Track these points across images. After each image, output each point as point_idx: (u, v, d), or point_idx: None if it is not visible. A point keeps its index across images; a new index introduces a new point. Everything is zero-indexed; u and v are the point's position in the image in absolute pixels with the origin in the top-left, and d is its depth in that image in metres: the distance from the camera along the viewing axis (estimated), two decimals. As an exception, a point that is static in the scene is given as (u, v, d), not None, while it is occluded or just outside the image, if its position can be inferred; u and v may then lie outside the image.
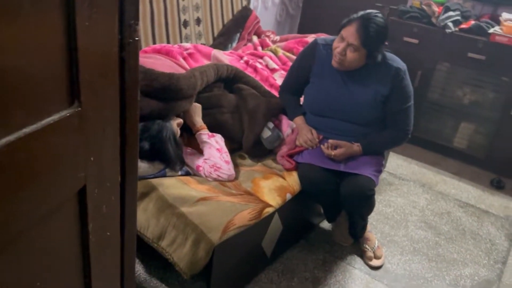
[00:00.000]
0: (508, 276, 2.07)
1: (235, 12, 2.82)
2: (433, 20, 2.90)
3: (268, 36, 2.82)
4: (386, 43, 1.87)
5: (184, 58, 2.06)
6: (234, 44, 2.78)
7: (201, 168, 1.76)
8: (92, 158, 0.75)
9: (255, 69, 2.33)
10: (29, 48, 0.58)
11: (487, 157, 2.92)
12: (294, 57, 2.53)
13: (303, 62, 2.01)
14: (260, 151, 1.97)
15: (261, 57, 2.49)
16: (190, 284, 1.74)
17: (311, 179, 1.86)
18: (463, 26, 2.83)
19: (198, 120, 1.86)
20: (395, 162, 2.93)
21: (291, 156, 1.96)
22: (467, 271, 2.06)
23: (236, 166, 1.87)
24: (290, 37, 2.88)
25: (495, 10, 3.04)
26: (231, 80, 2.06)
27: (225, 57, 2.28)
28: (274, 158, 1.98)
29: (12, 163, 0.59)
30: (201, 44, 2.61)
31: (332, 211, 2.09)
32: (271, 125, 1.97)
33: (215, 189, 1.68)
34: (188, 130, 1.89)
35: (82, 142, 0.72)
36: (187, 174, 1.76)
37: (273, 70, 2.43)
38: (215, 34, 2.72)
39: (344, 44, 1.80)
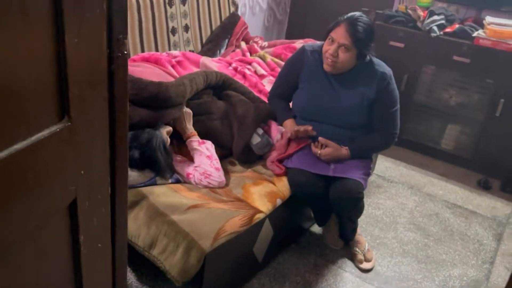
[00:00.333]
0: (496, 276, 2.10)
1: (223, 18, 2.83)
2: (419, 24, 2.94)
3: (256, 42, 2.84)
4: (373, 45, 1.90)
5: (173, 66, 2.06)
6: (223, 50, 2.79)
7: (191, 176, 1.76)
8: (82, 171, 0.75)
9: (244, 76, 2.35)
10: (19, 64, 0.59)
11: (473, 158, 2.97)
12: (282, 63, 2.55)
13: (291, 69, 2.04)
14: (250, 157, 1.98)
15: (250, 64, 2.51)
16: (182, 291, 1.74)
17: (301, 184, 1.88)
18: (447, 29, 2.88)
19: (189, 127, 1.87)
20: (383, 165, 2.97)
21: (280, 161, 1.98)
22: (456, 272, 2.09)
23: (226, 172, 1.88)
24: (278, 43, 2.90)
25: (479, 14, 3.10)
26: (220, 86, 2.08)
27: (214, 64, 2.29)
28: (264, 164, 2.00)
29: (3, 179, 0.60)
30: (190, 51, 2.62)
31: (322, 215, 2.11)
32: (260, 131, 1.99)
33: (205, 196, 1.69)
34: (178, 138, 1.89)
35: (72, 156, 0.72)
36: (178, 181, 1.77)
37: (261, 76, 2.45)
38: (204, 40, 2.73)
39: (335, 45, 1.83)
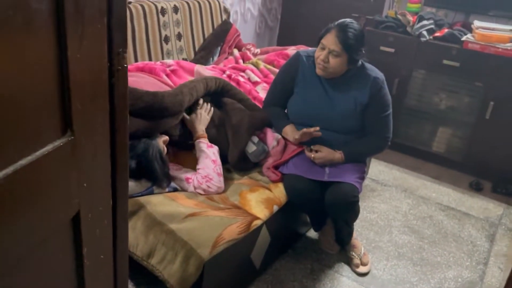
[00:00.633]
0: (490, 277, 2.13)
1: (215, 26, 2.85)
2: (408, 29, 2.98)
3: (248, 49, 2.85)
4: (364, 51, 1.93)
5: (167, 75, 2.07)
6: (216, 58, 2.80)
7: (190, 180, 1.77)
8: (85, 184, 0.76)
9: (238, 83, 2.36)
10: (24, 80, 0.59)
11: (465, 160, 3.01)
12: (275, 70, 2.57)
13: (286, 74, 2.06)
14: (245, 164, 1.99)
15: (243, 71, 2.52)
16: (180, 300, 1.74)
17: (297, 189, 1.90)
18: (437, 34, 2.93)
19: (200, 128, 1.89)
20: (376, 168, 2.99)
21: (276, 167, 1.99)
22: (451, 274, 2.12)
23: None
24: (270, 49, 2.93)
25: (467, 18, 3.15)
26: (219, 93, 2.09)
27: (208, 72, 2.30)
28: (260, 171, 2.01)
29: (10, 194, 0.60)
30: (183, 59, 2.63)
31: (318, 220, 2.12)
32: (255, 139, 2.00)
33: (203, 204, 1.69)
34: (175, 146, 1.90)
35: (75, 169, 0.73)
36: (175, 190, 1.77)
37: (255, 83, 2.46)
38: (196, 48, 2.74)
39: (325, 51, 1.86)
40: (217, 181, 1.79)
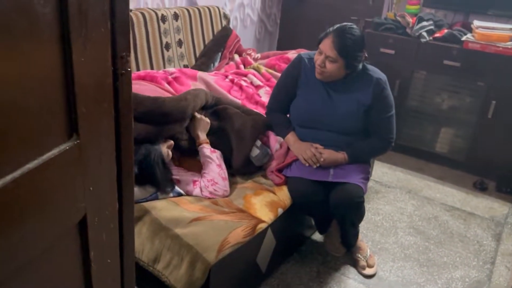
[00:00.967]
0: (498, 276, 2.12)
1: (215, 32, 2.86)
2: (408, 30, 2.99)
3: (249, 54, 2.87)
4: (366, 55, 1.93)
5: (169, 83, 2.08)
6: (216, 64, 2.81)
7: (197, 183, 1.78)
8: (91, 188, 0.76)
9: (241, 87, 2.37)
10: (31, 85, 0.60)
11: (468, 160, 3.00)
12: (277, 73, 2.58)
13: (289, 77, 2.06)
14: (249, 168, 1.99)
15: (245, 75, 2.53)
16: (187, 306, 1.74)
17: (301, 192, 1.90)
18: (437, 35, 2.93)
19: (201, 134, 1.89)
20: (380, 170, 2.99)
21: (280, 170, 1.99)
22: (458, 274, 2.11)
23: (226, 184, 1.89)
24: (271, 54, 2.93)
25: (466, 18, 3.16)
26: (212, 106, 2.08)
27: (211, 77, 2.31)
28: (264, 174, 2.01)
29: (17, 198, 0.60)
30: (184, 65, 2.64)
31: (323, 223, 2.12)
32: (258, 143, 2.00)
33: (207, 209, 1.69)
34: (181, 150, 1.90)
35: (81, 173, 0.73)
36: (179, 195, 1.77)
37: (257, 87, 2.47)
38: (197, 54, 2.75)
39: (322, 56, 1.86)
40: (223, 185, 1.79)
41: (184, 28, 2.64)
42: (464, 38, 2.81)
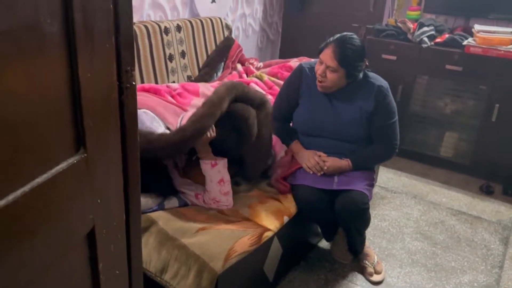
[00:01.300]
0: (506, 280, 2.10)
1: (218, 42, 2.89)
2: (409, 36, 3.00)
3: (252, 64, 2.89)
4: (367, 63, 1.95)
5: (172, 97, 2.09)
6: (219, 73, 2.84)
7: (200, 196, 1.78)
8: (99, 200, 0.77)
9: (243, 97, 2.38)
10: (39, 101, 0.62)
11: (473, 164, 3.00)
12: (279, 81, 2.60)
13: (291, 86, 2.08)
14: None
15: (248, 84, 2.55)
16: (195, 315, 1.74)
17: (306, 200, 1.90)
18: (438, 40, 2.95)
19: (201, 148, 1.78)
20: (385, 176, 2.99)
21: (284, 178, 2.00)
22: (466, 278, 2.10)
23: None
24: (273, 62, 2.96)
25: (467, 22, 3.17)
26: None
27: (212, 89, 2.32)
28: (269, 182, 2.01)
29: (28, 211, 0.62)
30: (187, 76, 2.67)
31: (329, 230, 2.12)
32: None
33: (213, 218, 1.70)
34: (186, 160, 1.91)
35: (89, 186, 0.75)
36: (185, 205, 1.78)
37: (259, 96, 2.48)
38: (200, 65, 2.78)
39: (323, 66, 1.88)
40: (225, 201, 1.78)
41: (187, 39, 2.67)
42: (465, 42, 2.82)
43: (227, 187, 1.79)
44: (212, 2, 3.09)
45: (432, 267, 2.16)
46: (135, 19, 2.43)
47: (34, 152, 0.63)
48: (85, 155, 0.72)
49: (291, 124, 2.15)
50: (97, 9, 0.67)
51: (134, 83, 0.83)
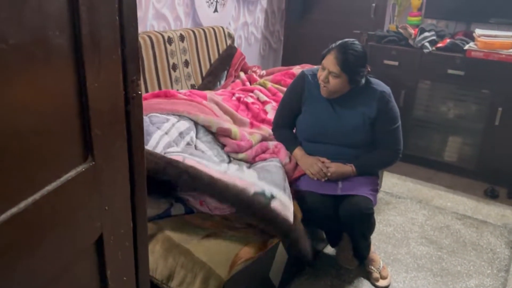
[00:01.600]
0: (513, 284, 2.10)
1: (220, 51, 2.92)
2: (410, 42, 3.02)
3: (254, 72, 2.91)
4: (369, 69, 1.96)
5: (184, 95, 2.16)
6: (223, 82, 2.87)
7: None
8: (106, 208, 0.79)
9: (247, 106, 2.41)
10: (48, 111, 0.63)
11: (478, 168, 3.00)
12: (283, 88, 2.62)
13: (293, 93, 2.10)
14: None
15: (252, 91, 2.57)
16: (201, 323, 1.74)
17: (310, 206, 1.91)
18: (439, 45, 2.96)
19: None
20: (390, 181, 2.99)
21: (289, 184, 2.01)
22: (473, 283, 2.09)
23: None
24: (276, 70, 2.98)
25: (468, 27, 3.19)
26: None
27: (218, 97, 2.35)
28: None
29: (38, 219, 0.63)
30: (191, 85, 2.70)
31: (334, 236, 2.12)
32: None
33: (219, 225, 1.71)
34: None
35: (97, 193, 0.76)
36: (191, 211, 1.80)
37: (264, 103, 2.50)
38: (203, 74, 2.81)
39: (325, 72, 1.90)
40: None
41: (190, 48, 2.70)
42: (466, 47, 2.83)
43: None
44: (214, 12, 3.12)
45: (438, 271, 2.16)
46: (139, 30, 2.46)
47: (44, 161, 0.64)
48: (93, 163, 0.73)
49: (294, 131, 2.17)
50: (104, 22, 0.69)
51: (139, 92, 0.85)
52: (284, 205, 1.63)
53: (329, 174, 1.95)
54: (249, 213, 1.56)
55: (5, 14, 0.52)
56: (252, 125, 2.25)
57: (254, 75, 2.86)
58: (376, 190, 2.01)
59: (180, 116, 2.01)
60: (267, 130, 2.22)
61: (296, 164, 2.06)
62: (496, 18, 3.01)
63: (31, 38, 0.58)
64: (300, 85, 2.07)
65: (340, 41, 1.92)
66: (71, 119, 0.69)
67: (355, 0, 3.61)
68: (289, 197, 1.73)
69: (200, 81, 2.78)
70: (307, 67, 2.67)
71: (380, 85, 2.01)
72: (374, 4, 3.52)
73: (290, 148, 2.08)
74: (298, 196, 1.95)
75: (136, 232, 0.91)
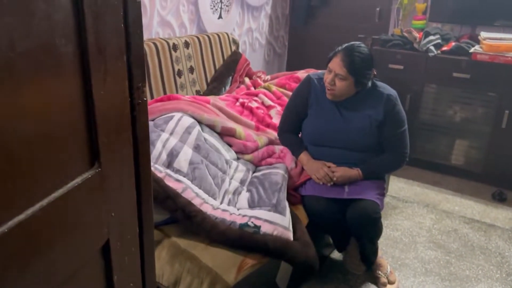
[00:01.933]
0: (523, 288, 2.08)
1: (225, 57, 2.93)
2: (415, 45, 3.02)
3: (259, 77, 2.92)
4: (375, 72, 1.96)
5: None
6: (228, 88, 2.87)
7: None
8: (113, 214, 0.79)
9: (251, 111, 2.41)
10: (55, 118, 0.64)
11: (485, 171, 2.98)
12: (288, 92, 2.62)
13: (299, 97, 2.10)
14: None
15: (256, 95, 2.58)
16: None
17: (317, 210, 1.91)
18: (444, 48, 2.95)
19: None
20: (396, 185, 2.98)
21: (295, 189, 2.01)
22: (481, 287, 2.07)
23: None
24: (280, 74, 2.99)
25: (473, 30, 3.18)
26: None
27: (222, 102, 2.36)
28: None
29: (45, 225, 0.64)
30: (196, 91, 2.71)
31: (341, 240, 2.11)
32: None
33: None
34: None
35: (103, 199, 0.77)
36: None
37: (269, 107, 2.50)
38: (208, 80, 2.82)
39: (332, 75, 1.90)
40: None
41: (195, 55, 2.71)
42: (472, 50, 2.82)
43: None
44: (219, 18, 3.14)
45: (446, 276, 2.14)
46: (144, 37, 2.48)
47: (51, 168, 0.65)
48: (100, 169, 0.74)
49: (299, 135, 2.17)
50: (109, 30, 0.70)
51: (145, 99, 0.85)
52: (275, 223, 1.66)
53: (334, 178, 1.95)
54: (240, 246, 1.60)
55: (12, 23, 0.53)
56: (258, 129, 2.25)
57: (259, 80, 2.87)
58: (383, 194, 2.01)
59: (184, 113, 2.02)
60: (273, 134, 2.22)
61: (302, 169, 2.06)
62: (502, 20, 3.00)
63: (38, 46, 0.59)
64: (306, 89, 2.07)
65: (346, 44, 1.93)
66: (77, 126, 0.69)
67: (359, 4, 3.62)
68: (283, 209, 1.74)
69: (205, 87, 2.79)
70: (312, 72, 2.67)
71: (387, 89, 2.01)
72: (378, 8, 3.53)
73: (295, 153, 2.08)
74: (304, 201, 1.95)
75: (142, 238, 0.92)
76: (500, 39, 2.76)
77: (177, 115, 1.97)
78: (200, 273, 1.51)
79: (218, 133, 2.08)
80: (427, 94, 3.06)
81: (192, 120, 1.98)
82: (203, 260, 1.53)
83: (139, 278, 0.93)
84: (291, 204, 1.94)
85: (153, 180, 1.59)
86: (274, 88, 2.69)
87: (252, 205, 1.77)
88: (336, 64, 1.89)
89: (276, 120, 2.34)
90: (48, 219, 0.64)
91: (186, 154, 1.80)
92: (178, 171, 1.73)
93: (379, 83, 2.02)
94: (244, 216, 1.68)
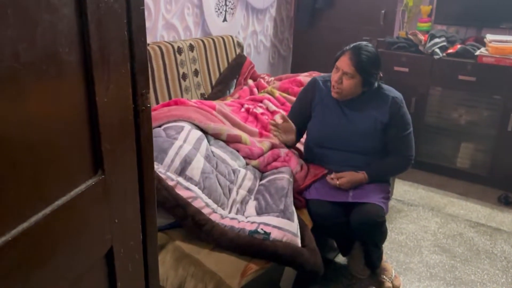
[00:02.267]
0: (529, 293, 2.06)
1: (230, 60, 2.93)
2: (421, 48, 3.01)
3: (263, 78, 2.93)
4: (381, 74, 1.96)
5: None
6: (232, 90, 2.88)
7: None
8: (116, 220, 0.80)
9: (256, 117, 2.41)
10: (59, 125, 0.64)
11: (491, 174, 2.96)
12: (291, 97, 2.62)
13: (304, 100, 2.10)
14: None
15: (261, 101, 2.58)
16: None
17: (321, 214, 1.90)
18: (450, 50, 2.94)
19: None
20: (401, 189, 2.97)
21: (299, 193, 2.00)
22: (487, 292, 2.06)
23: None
24: (283, 77, 2.99)
25: (479, 33, 3.16)
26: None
27: (228, 108, 2.36)
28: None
29: (49, 233, 0.64)
30: (201, 94, 2.71)
31: (346, 244, 2.10)
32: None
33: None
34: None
35: (107, 206, 0.77)
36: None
37: (273, 113, 2.51)
38: (213, 83, 2.82)
39: (339, 73, 1.90)
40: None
41: (199, 58, 2.72)
42: (477, 52, 2.81)
43: None
44: (223, 21, 3.15)
45: (451, 280, 2.12)
46: (149, 40, 2.50)
47: (55, 175, 0.65)
48: (103, 176, 0.74)
49: (304, 137, 2.17)
50: (113, 38, 0.70)
51: (149, 105, 0.85)
52: (284, 229, 1.65)
53: (338, 182, 1.94)
54: (249, 253, 1.59)
55: (17, 34, 0.53)
56: (261, 135, 2.25)
57: (262, 81, 2.87)
58: (387, 198, 2.00)
59: (192, 124, 2.02)
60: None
61: (307, 173, 2.05)
62: (507, 23, 2.99)
63: (42, 55, 0.59)
64: (311, 91, 2.08)
65: (353, 44, 1.94)
66: (81, 133, 0.69)
67: (364, 7, 3.61)
68: (291, 214, 1.74)
69: (210, 90, 2.80)
70: (314, 75, 2.67)
71: (392, 91, 2.00)
72: (383, 11, 3.52)
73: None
74: (308, 204, 1.95)
75: (146, 244, 0.92)
76: (506, 41, 2.74)
77: (187, 127, 1.94)
78: (204, 277, 1.51)
79: (224, 141, 2.07)
80: (433, 96, 3.05)
81: (200, 133, 1.98)
82: (207, 264, 1.53)
83: (142, 284, 0.93)
84: (296, 208, 1.93)
85: (164, 188, 1.61)
86: (277, 93, 2.69)
87: (260, 212, 1.76)
88: (344, 63, 1.89)
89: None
90: (52, 226, 0.64)
91: (198, 162, 1.78)
92: (190, 179, 1.72)
93: (385, 86, 2.02)
94: (253, 223, 1.67)
